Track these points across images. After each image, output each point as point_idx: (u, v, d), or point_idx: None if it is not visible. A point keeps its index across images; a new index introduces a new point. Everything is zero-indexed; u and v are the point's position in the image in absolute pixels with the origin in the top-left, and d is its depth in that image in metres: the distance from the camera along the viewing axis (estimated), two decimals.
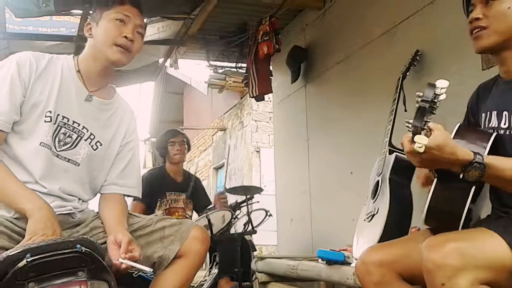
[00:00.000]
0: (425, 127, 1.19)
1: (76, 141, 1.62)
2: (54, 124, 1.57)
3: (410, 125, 1.21)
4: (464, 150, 1.25)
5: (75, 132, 1.61)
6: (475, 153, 1.25)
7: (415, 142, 1.20)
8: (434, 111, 1.20)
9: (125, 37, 1.60)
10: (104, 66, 1.64)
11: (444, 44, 2.49)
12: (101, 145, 1.67)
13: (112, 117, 1.71)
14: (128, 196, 1.76)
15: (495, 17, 1.38)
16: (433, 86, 1.19)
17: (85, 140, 1.64)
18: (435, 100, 1.19)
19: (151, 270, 1.56)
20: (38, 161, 1.53)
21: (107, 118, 1.70)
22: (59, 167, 1.58)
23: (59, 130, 1.58)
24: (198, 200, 3.69)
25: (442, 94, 1.19)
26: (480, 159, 1.24)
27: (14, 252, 1.19)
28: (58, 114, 1.58)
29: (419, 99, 1.19)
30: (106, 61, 1.62)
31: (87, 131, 1.64)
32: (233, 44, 4.42)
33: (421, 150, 1.19)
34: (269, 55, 3.74)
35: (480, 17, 1.40)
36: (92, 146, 1.65)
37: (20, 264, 1.16)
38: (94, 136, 1.65)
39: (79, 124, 1.62)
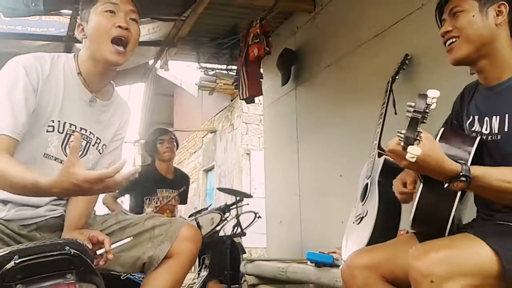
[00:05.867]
0: (418, 138, 1.19)
1: (86, 148, 1.58)
2: (61, 133, 1.51)
3: (402, 136, 1.20)
4: (451, 162, 1.26)
5: (83, 139, 1.56)
6: (462, 165, 1.26)
7: (407, 152, 1.19)
8: (425, 121, 1.19)
9: (119, 26, 1.49)
10: (104, 67, 1.56)
11: (433, 48, 2.51)
12: (105, 147, 1.64)
13: (113, 117, 1.66)
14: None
15: (463, 26, 1.43)
16: (424, 96, 1.18)
17: (93, 145, 1.60)
18: (427, 111, 1.18)
19: (132, 238, 1.52)
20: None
21: (108, 119, 1.65)
22: None
23: (68, 139, 1.52)
24: (183, 199, 3.68)
25: (432, 104, 1.18)
26: (467, 172, 1.25)
27: (1, 254, 1.17)
28: (65, 122, 1.52)
29: (411, 110, 1.18)
30: (105, 62, 1.53)
31: (93, 136, 1.60)
32: (224, 46, 4.43)
33: (413, 160, 1.19)
34: (260, 58, 3.75)
35: (450, 29, 1.45)
36: (99, 150, 1.62)
37: (8, 266, 1.14)
38: (100, 140, 1.62)
39: (86, 130, 1.57)
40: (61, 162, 1.50)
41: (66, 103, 1.52)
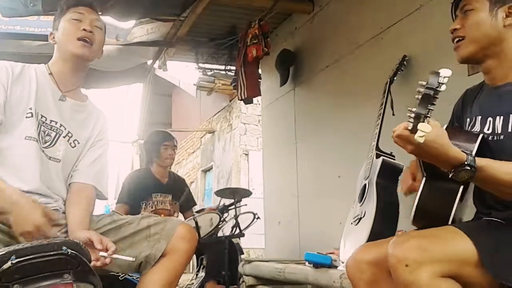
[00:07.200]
0: (429, 115, 1.17)
1: (55, 139, 1.66)
2: (36, 120, 1.61)
3: (413, 113, 1.17)
4: (457, 150, 1.25)
5: (53, 130, 1.66)
6: (467, 154, 1.25)
7: (416, 131, 1.16)
8: (435, 102, 1.17)
9: (84, 29, 1.68)
10: (73, 64, 1.71)
11: (431, 49, 2.52)
12: (78, 143, 1.71)
13: (87, 119, 1.76)
14: (98, 195, 1.75)
15: (470, 26, 1.43)
16: (437, 73, 1.17)
17: (64, 137, 1.68)
18: (438, 89, 1.16)
19: (133, 259, 1.56)
20: (28, 156, 1.55)
21: (82, 120, 1.75)
22: (46, 162, 1.61)
23: (40, 128, 1.62)
24: (184, 200, 3.68)
25: (444, 83, 1.17)
26: (472, 162, 1.24)
27: None
28: (38, 112, 1.62)
29: (423, 88, 1.17)
30: (72, 57, 1.69)
31: (64, 129, 1.68)
32: (223, 46, 4.43)
33: (422, 140, 1.16)
34: (258, 58, 3.75)
35: (458, 27, 1.46)
36: (70, 143, 1.69)
37: (5, 266, 1.14)
38: (72, 134, 1.70)
39: (56, 122, 1.67)
40: (37, 142, 1.59)
41: (39, 96, 1.64)
